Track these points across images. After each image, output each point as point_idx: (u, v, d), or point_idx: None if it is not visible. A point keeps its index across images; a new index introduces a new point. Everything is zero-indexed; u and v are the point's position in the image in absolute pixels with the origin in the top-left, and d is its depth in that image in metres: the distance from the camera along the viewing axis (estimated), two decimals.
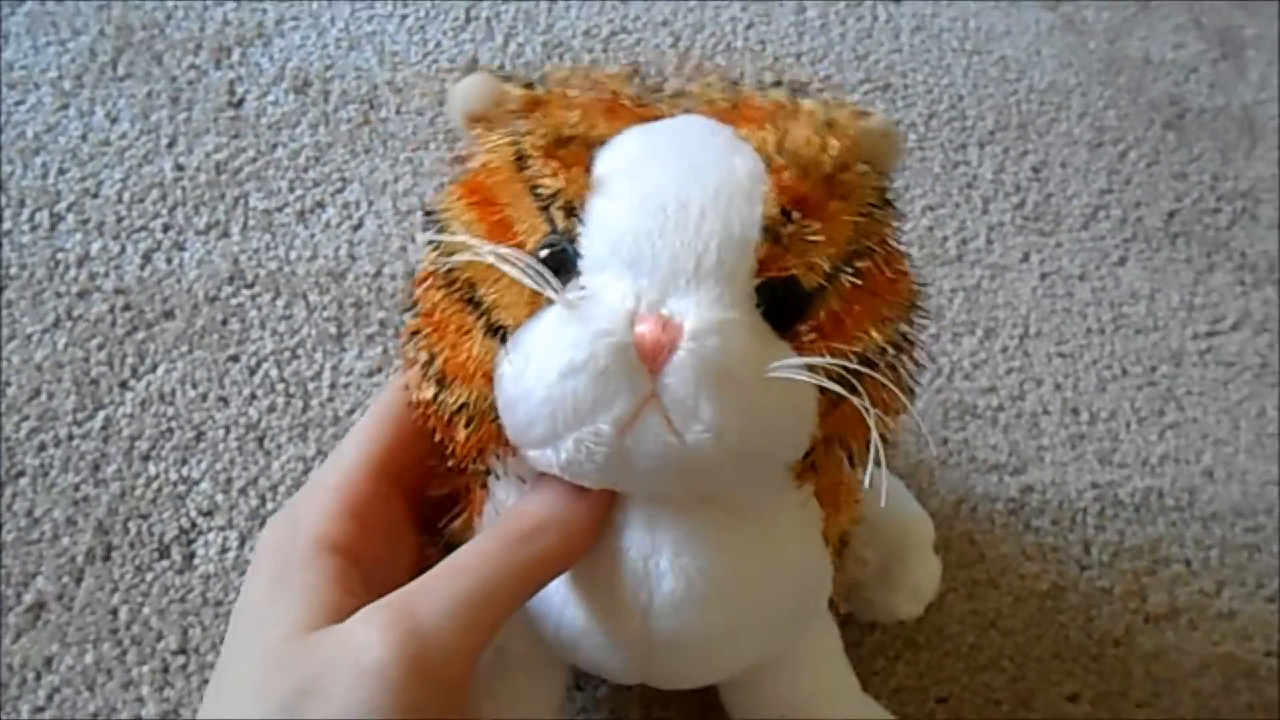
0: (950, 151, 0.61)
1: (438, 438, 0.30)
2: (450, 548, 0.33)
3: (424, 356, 0.30)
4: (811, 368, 0.27)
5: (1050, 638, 0.45)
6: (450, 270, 0.29)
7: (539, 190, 0.28)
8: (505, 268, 0.27)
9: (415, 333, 0.30)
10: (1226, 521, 0.49)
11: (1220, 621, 0.46)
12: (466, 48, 0.62)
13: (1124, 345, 0.54)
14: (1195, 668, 0.44)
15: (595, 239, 0.27)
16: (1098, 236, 0.59)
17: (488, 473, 0.31)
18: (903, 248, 0.31)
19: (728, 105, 0.30)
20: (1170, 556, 0.47)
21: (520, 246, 0.28)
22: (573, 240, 0.27)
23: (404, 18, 0.63)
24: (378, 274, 0.52)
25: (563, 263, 0.27)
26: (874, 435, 0.27)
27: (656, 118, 0.30)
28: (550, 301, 0.27)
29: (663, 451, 0.27)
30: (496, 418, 0.28)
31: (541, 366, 0.27)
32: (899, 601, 0.42)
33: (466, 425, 0.29)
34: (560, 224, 0.27)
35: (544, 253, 0.27)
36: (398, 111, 0.59)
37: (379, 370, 0.49)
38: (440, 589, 0.28)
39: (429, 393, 0.29)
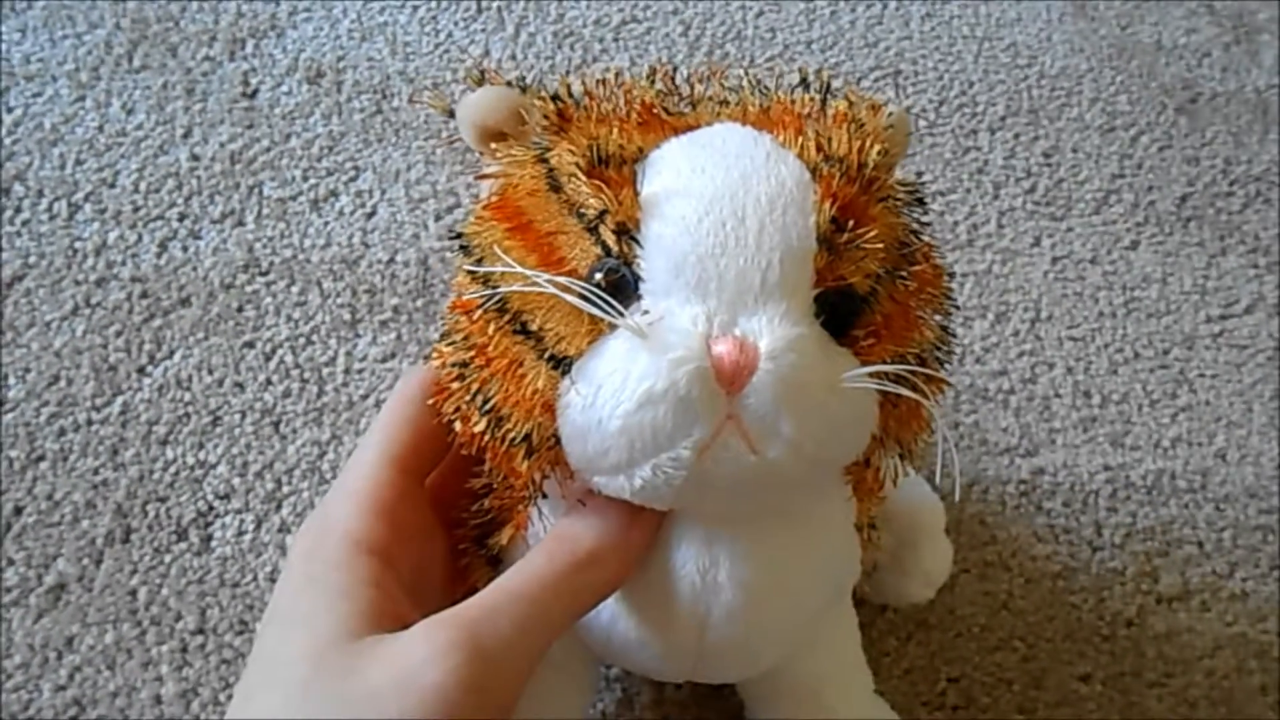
0: (961, 137, 0.61)
1: (489, 466, 0.30)
2: (496, 561, 0.32)
3: (473, 389, 0.29)
4: (881, 374, 0.27)
5: (1062, 619, 0.45)
6: (499, 301, 0.28)
7: (583, 211, 0.27)
8: (568, 297, 0.26)
9: (464, 364, 0.29)
10: (1239, 503, 0.49)
11: (1233, 602, 0.46)
12: (478, 38, 0.63)
13: (1136, 329, 0.54)
14: (1208, 649, 0.44)
15: (656, 263, 0.27)
16: (1109, 221, 0.58)
17: (537, 494, 0.30)
18: (932, 240, 0.31)
19: (759, 110, 0.30)
20: (1183, 538, 0.47)
21: (573, 273, 0.27)
22: (629, 264, 0.27)
23: (415, 8, 0.64)
24: (390, 261, 0.53)
25: (621, 287, 0.27)
26: (939, 426, 0.28)
27: (691, 128, 0.29)
28: (612, 328, 0.26)
29: (741, 470, 0.27)
30: (555, 445, 0.28)
31: (616, 396, 0.26)
32: (911, 586, 0.42)
33: (526, 456, 0.28)
34: (614, 247, 0.27)
35: (599, 277, 0.27)
36: (410, 101, 0.59)
37: (392, 356, 0.50)
38: (501, 614, 0.27)
39: (480, 426, 0.28)
